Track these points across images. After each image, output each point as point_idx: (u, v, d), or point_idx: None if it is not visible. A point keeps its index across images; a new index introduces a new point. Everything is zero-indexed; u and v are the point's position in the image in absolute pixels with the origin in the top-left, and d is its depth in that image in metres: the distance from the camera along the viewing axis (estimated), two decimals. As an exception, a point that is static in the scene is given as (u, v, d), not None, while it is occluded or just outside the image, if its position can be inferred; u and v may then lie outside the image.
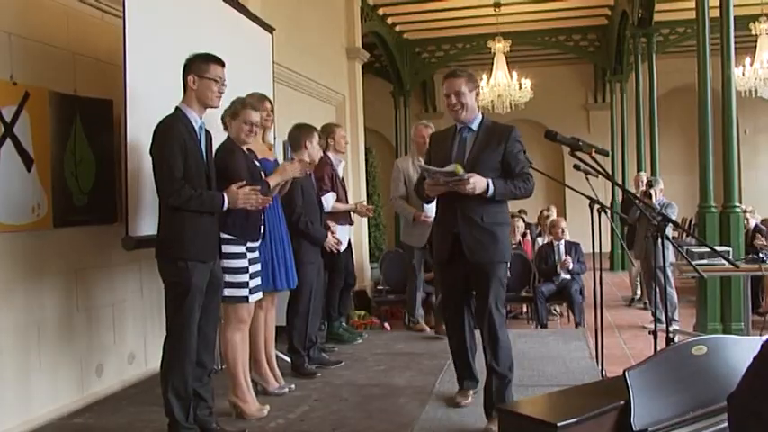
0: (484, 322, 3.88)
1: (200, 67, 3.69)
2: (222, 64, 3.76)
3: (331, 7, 10.49)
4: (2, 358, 3.90)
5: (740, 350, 2.20)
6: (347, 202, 6.49)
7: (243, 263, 4.08)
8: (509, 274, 4.61)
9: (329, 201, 5.98)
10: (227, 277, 3.97)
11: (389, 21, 13.93)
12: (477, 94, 4.05)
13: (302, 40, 8.77)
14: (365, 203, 7.17)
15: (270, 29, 6.34)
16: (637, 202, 6.71)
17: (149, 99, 4.32)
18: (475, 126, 4.00)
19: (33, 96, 4.11)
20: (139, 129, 4.22)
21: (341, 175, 6.42)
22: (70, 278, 4.46)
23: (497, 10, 12.81)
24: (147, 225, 4.26)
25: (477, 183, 3.74)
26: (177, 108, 3.68)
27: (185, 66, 3.72)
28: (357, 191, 10.78)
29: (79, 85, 4.53)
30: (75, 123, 4.48)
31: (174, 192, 3.54)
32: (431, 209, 4.75)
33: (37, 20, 4.24)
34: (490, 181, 3.78)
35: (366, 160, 11.96)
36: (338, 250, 5.86)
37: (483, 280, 3.88)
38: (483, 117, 4.06)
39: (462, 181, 3.70)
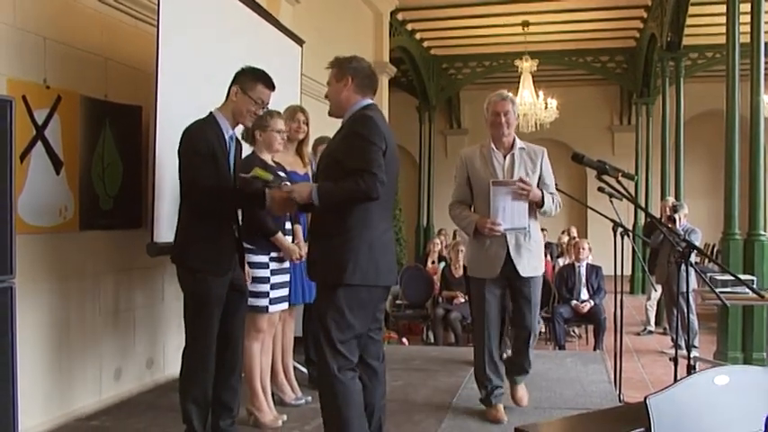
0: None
1: (247, 82, 3.61)
2: (271, 87, 3.65)
3: (360, 21, 10.55)
4: (23, 357, 3.93)
5: (763, 381, 2.17)
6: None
7: (265, 273, 4.09)
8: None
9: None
10: (248, 286, 3.96)
11: (417, 36, 13.99)
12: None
13: (331, 53, 8.68)
14: None
15: (300, 41, 6.38)
16: (661, 226, 6.65)
17: (179, 107, 4.35)
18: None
19: (65, 100, 4.16)
20: (168, 136, 4.25)
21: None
22: (93, 281, 4.50)
23: (525, 29, 12.83)
24: (172, 232, 4.24)
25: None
26: (211, 113, 3.64)
27: (236, 74, 3.66)
28: (379, 204, 10.75)
29: (110, 91, 4.58)
30: (105, 128, 4.53)
31: (204, 192, 3.49)
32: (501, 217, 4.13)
33: (71, 25, 4.30)
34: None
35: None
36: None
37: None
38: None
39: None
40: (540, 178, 4.22)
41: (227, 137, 3.63)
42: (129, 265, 4.80)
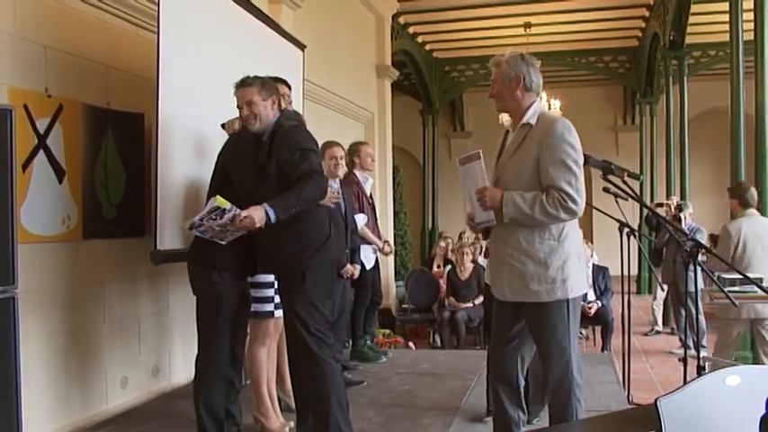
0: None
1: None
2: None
3: (361, 25, 10.54)
4: (27, 367, 3.91)
5: (775, 381, 2.13)
6: (376, 221, 6.47)
7: (269, 277, 4.07)
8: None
9: (359, 221, 5.95)
10: (253, 292, 3.97)
11: (419, 39, 13.97)
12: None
13: (332, 57, 8.80)
14: (390, 243, 7.13)
15: (301, 46, 6.37)
16: (667, 225, 6.61)
17: (180, 114, 4.36)
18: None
19: (67, 109, 4.15)
20: (170, 143, 4.26)
21: (368, 193, 6.41)
22: (98, 290, 4.48)
23: (527, 30, 12.80)
24: (176, 239, 4.28)
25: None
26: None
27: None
28: (384, 209, 10.76)
29: (112, 99, 4.57)
30: (107, 136, 4.52)
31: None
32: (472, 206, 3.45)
33: (72, 33, 4.30)
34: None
35: (394, 178, 11.96)
36: (364, 269, 5.87)
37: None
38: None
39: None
40: (538, 164, 3.20)
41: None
42: (133, 273, 4.78)
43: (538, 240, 3.20)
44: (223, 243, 3.52)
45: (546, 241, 3.20)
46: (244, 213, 3.33)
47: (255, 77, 3.63)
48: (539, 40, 13.30)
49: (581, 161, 3.20)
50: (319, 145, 3.89)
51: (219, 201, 3.33)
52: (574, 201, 3.11)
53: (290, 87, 4.17)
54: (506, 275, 3.27)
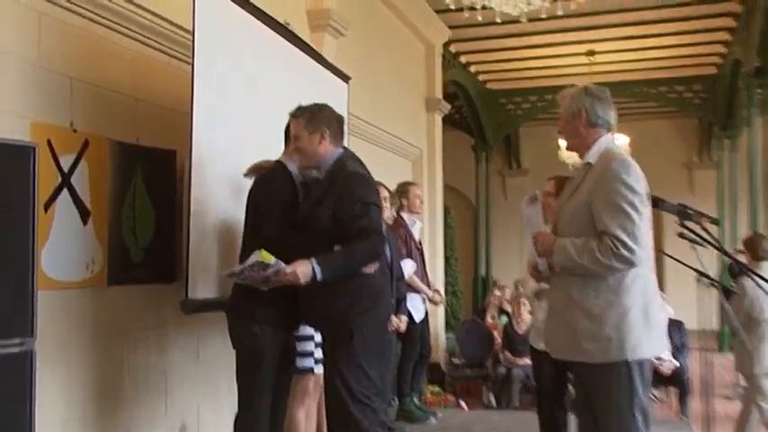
0: None
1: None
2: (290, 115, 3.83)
3: (410, 55, 10.62)
4: (44, 423, 3.92)
5: None
6: (424, 267, 6.44)
7: (309, 330, 4.06)
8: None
9: (408, 268, 5.94)
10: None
11: (472, 69, 14.02)
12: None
13: (378, 89, 8.86)
14: (440, 292, 7.10)
15: (345, 77, 6.41)
16: (754, 277, 6.43)
17: (216, 151, 4.39)
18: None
19: (93, 145, 4.20)
20: (204, 181, 4.28)
21: (417, 238, 6.39)
22: (122, 339, 4.48)
23: (591, 58, 12.73)
24: (209, 286, 4.29)
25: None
26: (279, 161, 3.83)
27: (295, 114, 3.80)
28: (434, 254, 10.70)
29: (141, 134, 4.61)
30: (136, 174, 4.56)
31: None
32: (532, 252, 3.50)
33: (99, 63, 4.36)
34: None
35: (444, 220, 11.92)
36: (412, 320, 5.82)
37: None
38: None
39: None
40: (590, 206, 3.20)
41: (297, 183, 3.82)
42: (161, 322, 4.78)
43: (592, 293, 3.14)
44: (265, 290, 3.52)
45: (602, 294, 3.12)
46: (288, 269, 3.34)
47: (304, 109, 3.68)
48: (603, 69, 13.22)
49: (641, 203, 3.12)
50: None
51: (263, 255, 3.35)
52: (628, 248, 3.03)
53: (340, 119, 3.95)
54: (557, 330, 3.24)
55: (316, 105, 3.73)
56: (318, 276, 3.33)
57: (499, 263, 16.21)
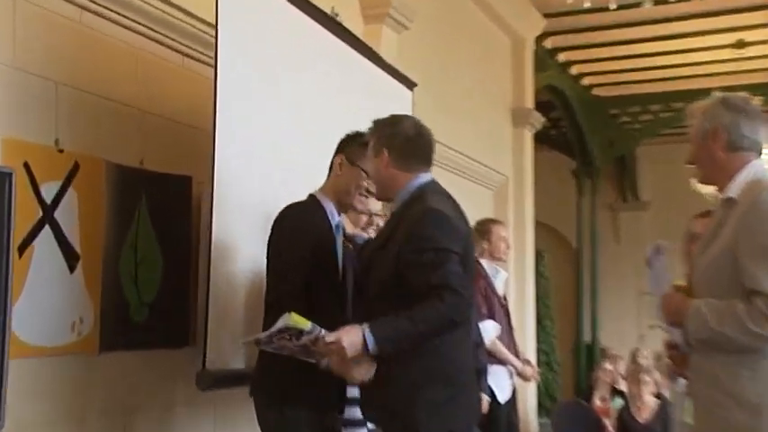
0: None
1: (356, 150, 3.82)
2: None
3: (493, 52, 10.61)
4: None
5: None
6: (511, 331, 6.38)
7: (356, 410, 4.04)
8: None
9: (490, 332, 5.91)
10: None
11: (574, 70, 13.89)
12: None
13: (451, 98, 8.84)
14: (532, 363, 7.02)
15: (410, 84, 6.42)
16: None
17: (244, 177, 4.39)
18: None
19: (84, 169, 4.20)
20: (229, 217, 4.28)
21: (501, 292, 6.34)
22: (119, 422, 4.47)
23: (739, 52, 12.44)
24: (233, 354, 4.28)
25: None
26: (311, 195, 3.88)
27: (339, 143, 3.93)
28: (522, 313, 10.61)
29: (148, 155, 4.63)
30: (140, 207, 4.57)
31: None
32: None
33: (95, 65, 4.37)
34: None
35: (536, 269, 11.81)
36: (495, 399, 5.76)
37: None
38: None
39: None
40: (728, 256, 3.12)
41: (333, 224, 3.85)
42: (169, 398, 4.77)
43: (746, 374, 3.03)
44: (312, 362, 3.50)
45: (761, 375, 3.01)
46: (331, 337, 3.27)
47: (374, 125, 3.67)
48: (756, 66, 12.95)
49: None
50: None
51: (294, 319, 3.29)
52: None
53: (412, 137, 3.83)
54: (703, 424, 3.15)
55: (390, 118, 3.69)
56: (370, 347, 3.21)
57: (610, 325, 15.95)
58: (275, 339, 3.38)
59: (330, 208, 3.87)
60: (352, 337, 3.23)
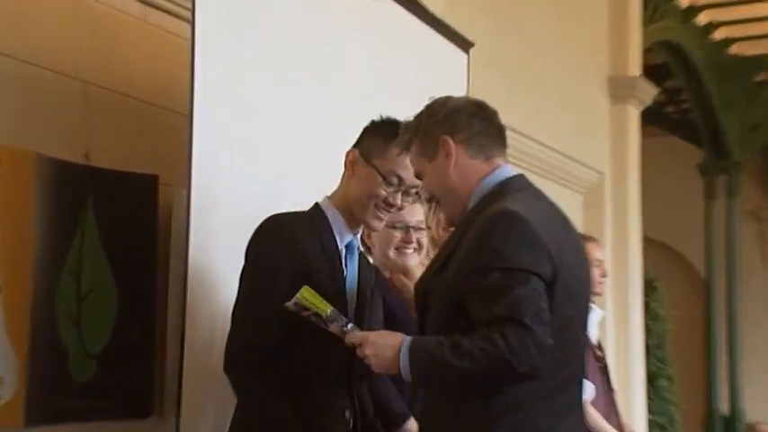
0: None
1: (373, 144, 3.82)
2: None
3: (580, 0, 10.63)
4: None
5: None
6: (611, 392, 6.40)
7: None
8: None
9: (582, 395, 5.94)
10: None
11: (701, 19, 13.86)
12: None
13: (522, 63, 8.88)
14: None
15: (465, 44, 6.48)
16: None
17: (232, 177, 4.44)
18: None
19: (7, 164, 4.21)
20: (212, 230, 4.32)
21: (595, 339, 6.36)
22: None
23: None
24: (217, 428, 4.28)
25: None
26: (316, 204, 3.90)
27: (361, 133, 3.90)
28: (626, 367, 10.60)
29: (94, 146, 4.64)
30: (84, 216, 4.57)
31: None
32: None
33: (18, 20, 4.35)
34: None
35: (645, 307, 11.77)
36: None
37: None
38: None
39: None
40: None
41: (340, 244, 3.86)
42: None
43: None
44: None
45: None
46: (356, 338, 3.36)
47: (408, 125, 3.62)
48: None
49: None
50: None
51: (305, 296, 3.43)
52: None
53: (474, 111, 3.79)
54: None
55: (427, 107, 3.62)
56: (403, 367, 3.22)
57: (757, 389, 15.86)
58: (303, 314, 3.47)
59: (338, 222, 3.87)
60: (385, 349, 3.27)
